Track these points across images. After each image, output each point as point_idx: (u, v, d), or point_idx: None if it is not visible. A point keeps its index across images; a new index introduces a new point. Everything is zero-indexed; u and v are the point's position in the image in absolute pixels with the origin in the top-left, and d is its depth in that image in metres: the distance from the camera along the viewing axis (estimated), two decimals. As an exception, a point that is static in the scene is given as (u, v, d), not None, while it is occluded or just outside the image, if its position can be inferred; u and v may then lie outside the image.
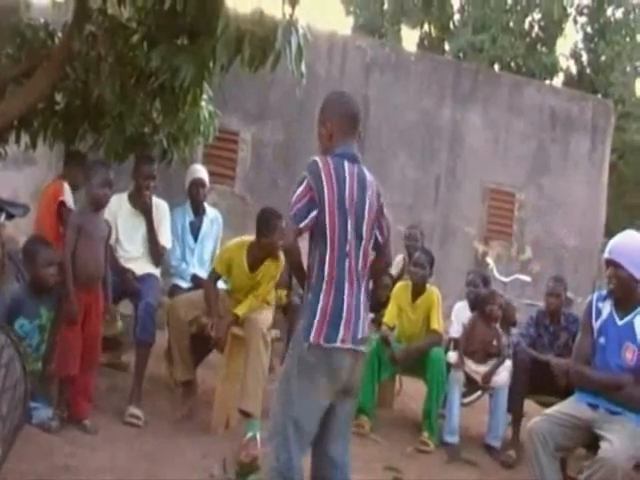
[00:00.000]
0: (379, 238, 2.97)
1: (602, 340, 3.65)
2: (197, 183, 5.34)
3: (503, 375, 4.95)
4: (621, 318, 3.63)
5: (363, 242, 2.85)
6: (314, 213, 2.73)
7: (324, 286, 2.74)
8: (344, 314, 2.74)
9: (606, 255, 3.62)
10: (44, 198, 4.85)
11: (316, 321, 2.70)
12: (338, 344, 2.72)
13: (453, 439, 4.82)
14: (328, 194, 2.74)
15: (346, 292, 2.76)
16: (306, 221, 2.72)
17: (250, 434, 3.98)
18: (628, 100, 16.80)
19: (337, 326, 2.72)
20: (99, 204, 4.08)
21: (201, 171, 5.45)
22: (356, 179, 2.84)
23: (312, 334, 2.69)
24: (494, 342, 5.09)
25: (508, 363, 4.98)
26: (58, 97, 4.96)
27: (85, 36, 4.69)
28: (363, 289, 2.84)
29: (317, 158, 2.81)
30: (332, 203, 2.75)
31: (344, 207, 2.78)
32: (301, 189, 2.73)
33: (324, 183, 2.74)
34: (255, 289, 4.50)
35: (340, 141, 2.88)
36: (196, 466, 3.77)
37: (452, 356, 5.10)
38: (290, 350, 2.82)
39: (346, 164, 2.83)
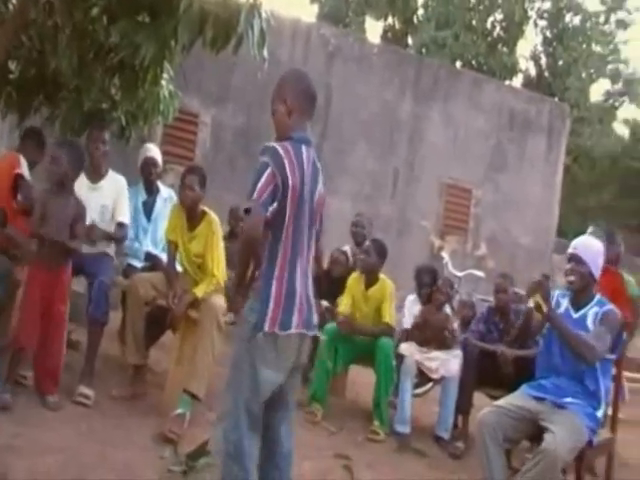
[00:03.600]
0: (317, 227, 2.97)
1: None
2: (149, 162, 5.27)
3: (453, 366, 4.99)
4: (576, 312, 3.82)
5: (313, 229, 2.88)
6: (277, 202, 2.70)
7: (276, 273, 2.73)
8: (297, 300, 2.76)
9: (571, 250, 3.84)
10: None
11: (270, 309, 2.70)
12: (292, 330, 2.74)
13: (404, 429, 4.85)
14: (292, 183, 2.72)
15: (297, 279, 2.77)
16: (271, 209, 2.68)
17: (180, 411, 3.99)
18: (583, 105, 17.19)
19: (291, 313, 2.74)
20: (52, 182, 4.02)
21: (153, 150, 5.38)
22: (311, 166, 2.83)
23: (267, 323, 2.69)
24: (447, 328, 5.13)
25: (459, 352, 5.02)
26: (12, 65, 4.83)
27: (42, 4, 4.56)
28: (310, 275, 2.87)
29: (277, 145, 2.75)
30: (294, 193, 2.74)
31: (302, 196, 2.78)
32: (266, 176, 2.67)
33: (288, 172, 2.71)
34: (199, 256, 4.45)
35: (298, 120, 2.85)
36: (146, 448, 3.72)
37: (404, 347, 5.12)
38: (238, 334, 2.80)
39: (304, 150, 2.81)
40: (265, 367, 2.71)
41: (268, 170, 2.67)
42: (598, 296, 3.83)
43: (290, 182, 2.71)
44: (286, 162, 2.71)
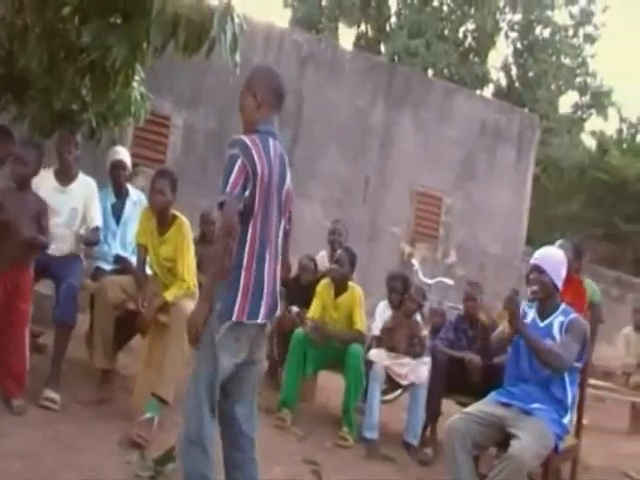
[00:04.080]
0: (286, 225, 3.02)
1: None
2: (117, 165, 5.23)
3: (422, 373, 5.01)
4: (542, 321, 3.90)
5: (282, 221, 2.94)
6: (247, 193, 2.75)
7: (244, 264, 2.76)
8: (264, 290, 2.81)
9: (533, 260, 3.93)
10: None
11: (238, 299, 2.74)
12: (259, 320, 2.81)
13: (372, 435, 4.85)
14: (261, 175, 2.77)
15: (266, 270, 2.82)
16: (243, 201, 2.73)
17: (148, 415, 3.96)
18: (552, 116, 17.41)
19: (258, 303, 2.79)
20: (15, 181, 4.02)
21: (121, 153, 5.34)
22: (279, 158, 2.89)
23: (235, 312, 2.73)
24: (416, 335, 5.15)
25: (428, 360, 5.05)
26: (-22, 64, 4.75)
27: (11, 2, 4.49)
28: (278, 267, 2.91)
29: (245, 138, 2.80)
30: (262, 184, 2.78)
31: (271, 187, 2.83)
32: (237, 168, 2.71)
33: (257, 163, 2.76)
34: (169, 260, 4.42)
35: (266, 114, 2.90)
36: (113, 453, 3.68)
37: (373, 353, 5.13)
38: (207, 330, 2.78)
39: (271, 142, 2.86)
40: (226, 354, 2.76)
41: (239, 162, 2.72)
42: (563, 305, 3.91)
43: (259, 172, 2.76)
44: (254, 153, 2.76)
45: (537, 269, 3.86)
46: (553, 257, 3.95)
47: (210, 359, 2.76)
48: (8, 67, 4.67)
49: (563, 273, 3.92)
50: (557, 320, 3.84)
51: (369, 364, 5.08)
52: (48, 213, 4.11)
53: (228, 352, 2.77)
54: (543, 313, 3.89)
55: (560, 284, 3.89)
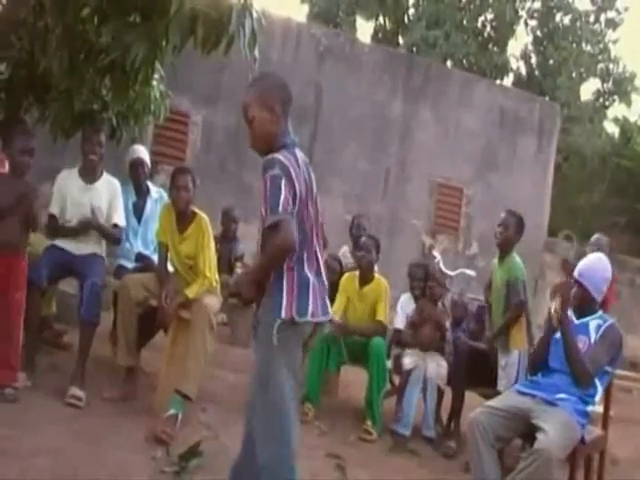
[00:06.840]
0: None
1: (559, 335, 3.87)
2: (136, 163, 5.27)
3: (433, 368, 4.99)
4: (578, 319, 3.94)
5: (318, 224, 2.93)
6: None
7: (285, 266, 2.76)
8: (310, 291, 2.80)
9: (576, 275, 3.96)
10: None
11: (285, 298, 2.74)
12: (309, 318, 2.79)
13: (406, 432, 4.85)
14: (299, 190, 2.78)
15: (310, 272, 2.82)
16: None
17: (172, 411, 3.98)
18: (573, 104, 17.21)
19: (306, 300, 2.78)
20: (19, 171, 4.08)
21: (141, 151, 5.37)
22: (306, 168, 2.90)
23: (284, 310, 2.73)
24: (443, 323, 5.13)
25: (440, 358, 5.03)
26: (1, 67, 4.81)
27: (32, 5, 4.53)
28: (322, 269, 2.91)
29: (281, 158, 2.77)
30: (301, 198, 2.80)
31: (308, 199, 2.85)
32: (284, 187, 2.70)
33: (295, 181, 2.76)
34: (190, 258, 4.46)
35: (284, 126, 2.89)
36: (138, 449, 3.71)
37: (407, 362, 5.08)
38: (262, 338, 2.79)
39: (297, 153, 2.87)
40: (291, 358, 2.76)
41: (283, 181, 2.71)
42: (600, 312, 3.96)
43: (297, 189, 2.77)
44: (292, 171, 2.77)
45: (578, 284, 3.91)
46: (593, 271, 3.95)
47: (284, 372, 2.74)
48: (30, 69, 4.71)
49: (604, 286, 3.95)
50: (594, 322, 3.89)
51: (396, 360, 5.07)
52: (38, 196, 4.16)
53: (290, 353, 2.77)
54: (579, 313, 3.94)
55: (599, 297, 3.94)
